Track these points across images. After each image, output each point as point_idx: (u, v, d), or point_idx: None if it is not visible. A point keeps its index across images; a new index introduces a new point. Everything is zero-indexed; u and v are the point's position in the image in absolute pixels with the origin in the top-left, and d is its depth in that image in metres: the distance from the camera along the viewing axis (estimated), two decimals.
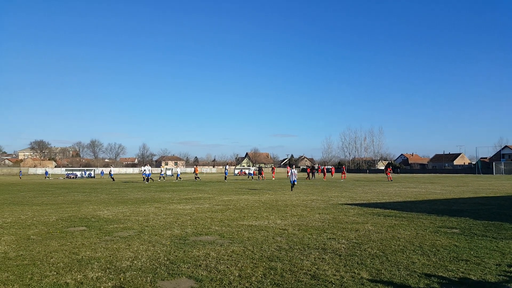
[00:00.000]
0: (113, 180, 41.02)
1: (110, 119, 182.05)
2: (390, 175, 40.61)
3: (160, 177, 41.65)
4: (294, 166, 25.36)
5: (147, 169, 34.99)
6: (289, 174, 23.51)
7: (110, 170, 42.69)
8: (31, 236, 7.78)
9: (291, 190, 21.73)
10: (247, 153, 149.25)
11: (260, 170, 44.20)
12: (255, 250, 6.44)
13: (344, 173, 46.08)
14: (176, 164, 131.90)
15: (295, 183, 22.56)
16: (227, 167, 43.96)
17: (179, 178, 43.25)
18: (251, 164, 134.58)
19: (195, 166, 52.53)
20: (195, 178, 42.77)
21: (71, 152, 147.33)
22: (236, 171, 77.07)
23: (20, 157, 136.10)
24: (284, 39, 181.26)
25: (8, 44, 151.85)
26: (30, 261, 5.77)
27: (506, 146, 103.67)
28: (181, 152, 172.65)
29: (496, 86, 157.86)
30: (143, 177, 34.94)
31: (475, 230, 8.25)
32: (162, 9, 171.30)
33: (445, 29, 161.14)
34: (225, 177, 41.10)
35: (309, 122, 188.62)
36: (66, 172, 63.56)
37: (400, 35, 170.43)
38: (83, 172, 63.48)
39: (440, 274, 5.04)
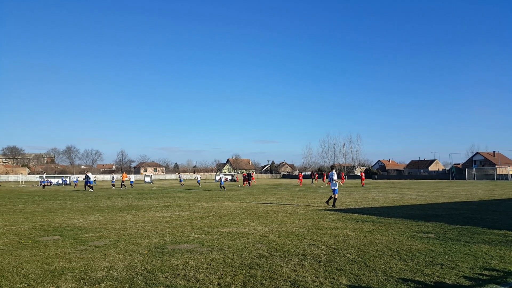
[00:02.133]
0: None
1: (87, 125, 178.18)
2: (364, 180, 41.46)
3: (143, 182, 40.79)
4: (334, 168, 17.08)
5: (90, 176, 33.68)
6: (334, 179, 15.31)
7: (113, 177, 39.96)
8: (1, 247, 7.46)
9: (334, 206, 15.12)
10: (228, 159, 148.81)
11: (249, 176, 42.95)
12: (235, 258, 6.39)
13: (343, 179, 44.13)
14: (155, 170, 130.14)
15: (336, 194, 15.21)
16: (221, 175, 39.56)
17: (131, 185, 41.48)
18: (232, 170, 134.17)
19: (123, 173, 47.16)
20: (121, 185, 38.72)
21: (45, 158, 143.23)
22: (217, 178, 76.71)
23: None
24: (264, 46, 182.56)
25: None
26: None
27: (477, 153, 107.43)
28: (160, 158, 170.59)
29: (468, 94, 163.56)
30: (90, 185, 32.88)
31: (449, 235, 8.46)
32: (141, 15, 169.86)
33: (417, 38, 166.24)
34: (223, 187, 32.42)
35: (290, 128, 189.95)
36: (40, 179, 61.65)
37: (375, 45, 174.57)
38: (60, 179, 61.66)
39: (417, 278, 5.12)
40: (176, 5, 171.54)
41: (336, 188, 15.23)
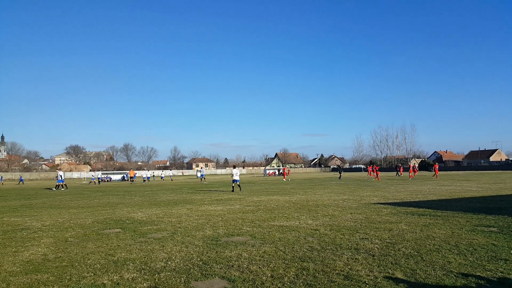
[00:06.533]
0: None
1: (142, 123, 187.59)
2: (438, 172, 39.27)
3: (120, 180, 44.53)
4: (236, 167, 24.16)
5: (61, 174, 32.19)
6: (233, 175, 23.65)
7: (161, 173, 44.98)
8: (69, 238, 8.08)
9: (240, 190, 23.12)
10: (276, 154, 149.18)
11: (400, 167, 45.57)
12: (286, 251, 6.43)
13: (415, 171, 41.04)
14: (206, 165, 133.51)
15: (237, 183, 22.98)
16: (202, 169, 48.29)
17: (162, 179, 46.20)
18: (281, 164, 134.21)
19: (131, 169, 52.43)
20: (131, 181, 44.69)
21: (105, 156, 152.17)
22: (267, 172, 77.34)
23: (56, 162, 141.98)
24: (312, 37, 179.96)
25: (45, 56, 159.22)
26: (69, 262, 5.99)
27: None
28: (211, 154, 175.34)
29: None
30: (59, 184, 31.54)
31: None
32: (186, 12, 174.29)
33: (477, 22, 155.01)
34: (204, 178, 46.93)
35: (339, 121, 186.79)
36: (100, 176, 65.78)
37: (431, 29, 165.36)
38: (125, 175, 65.87)
39: (478, 273, 4.85)
40: (224, 4, 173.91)
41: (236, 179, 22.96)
